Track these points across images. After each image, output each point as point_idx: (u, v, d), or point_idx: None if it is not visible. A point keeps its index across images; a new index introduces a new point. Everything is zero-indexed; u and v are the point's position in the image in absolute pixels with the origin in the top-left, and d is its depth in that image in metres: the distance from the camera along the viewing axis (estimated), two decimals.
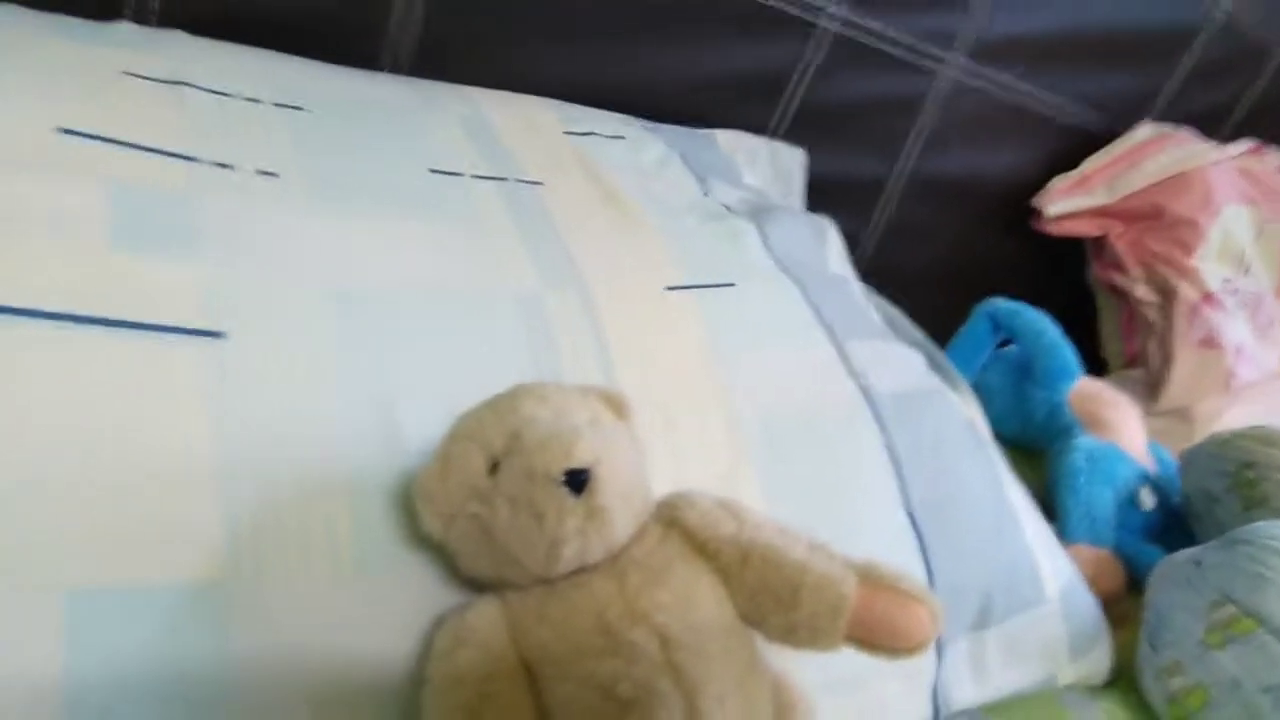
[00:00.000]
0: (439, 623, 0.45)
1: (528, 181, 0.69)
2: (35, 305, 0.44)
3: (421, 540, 0.46)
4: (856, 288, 0.83)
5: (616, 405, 0.49)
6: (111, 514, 0.41)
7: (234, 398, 0.46)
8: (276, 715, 0.41)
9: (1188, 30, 1.23)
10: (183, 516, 0.42)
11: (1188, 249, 1.17)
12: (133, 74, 0.60)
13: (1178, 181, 1.19)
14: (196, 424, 0.44)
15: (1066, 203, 1.21)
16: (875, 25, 0.99)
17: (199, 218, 0.52)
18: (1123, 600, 0.79)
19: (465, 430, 0.45)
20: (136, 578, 0.40)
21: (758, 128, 1.01)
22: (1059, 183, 1.22)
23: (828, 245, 0.85)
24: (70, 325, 0.44)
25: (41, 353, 0.43)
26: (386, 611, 0.45)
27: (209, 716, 0.40)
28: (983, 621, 0.64)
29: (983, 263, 1.27)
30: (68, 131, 0.52)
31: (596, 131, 0.81)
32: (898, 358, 0.73)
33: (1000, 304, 0.97)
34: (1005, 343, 0.99)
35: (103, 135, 0.53)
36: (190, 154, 0.55)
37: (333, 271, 0.53)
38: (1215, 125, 1.35)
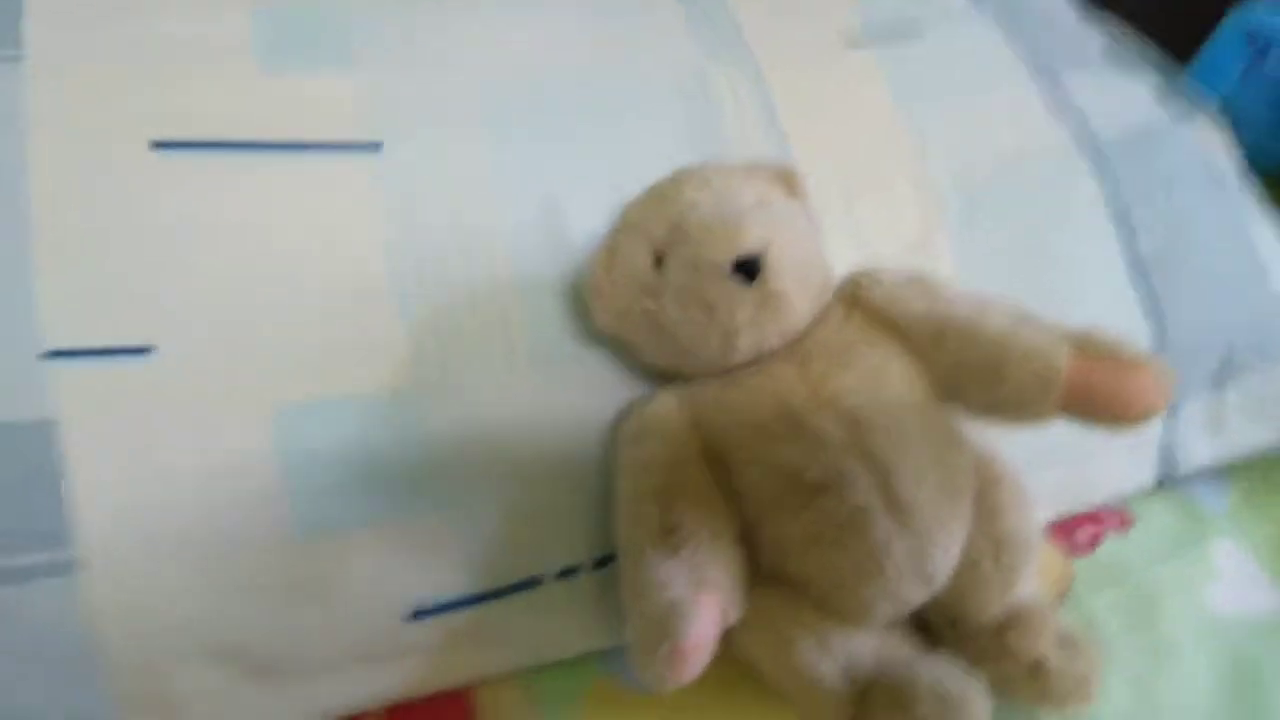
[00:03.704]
0: (624, 413, 0.46)
1: None
2: (196, 137, 0.45)
3: (595, 333, 0.46)
4: (1070, 13, 0.72)
5: (787, 181, 0.46)
6: (301, 335, 0.44)
7: (398, 209, 0.47)
8: (472, 499, 0.45)
9: None
10: (366, 331, 0.45)
11: None
12: None
13: None
14: (369, 240, 0.46)
15: None
16: None
17: (341, 29, 0.51)
18: None
19: (628, 221, 0.44)
20: (335, 392, 0.44)
21: None
22: None
23: None
24: (231, 152, 0.46)
25: (209, 182, 0.45)
26: (565, 401, 0.46)
27: (408, 505, 0.44)
28: (1222, 378, 0.58)
29: None
30: None
31: None
32: (1121, 91, 0.64)
33: (1258, 8, 0.82)
34: (1263, 55, 0.84)
35: None
36: None
37: (483, 69, 0.52)
38: None
